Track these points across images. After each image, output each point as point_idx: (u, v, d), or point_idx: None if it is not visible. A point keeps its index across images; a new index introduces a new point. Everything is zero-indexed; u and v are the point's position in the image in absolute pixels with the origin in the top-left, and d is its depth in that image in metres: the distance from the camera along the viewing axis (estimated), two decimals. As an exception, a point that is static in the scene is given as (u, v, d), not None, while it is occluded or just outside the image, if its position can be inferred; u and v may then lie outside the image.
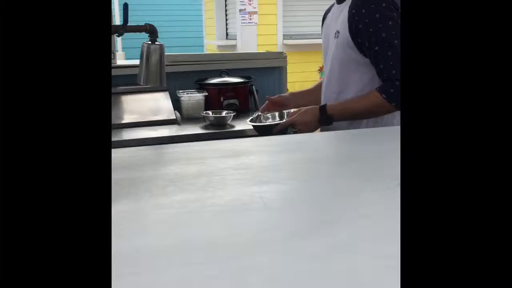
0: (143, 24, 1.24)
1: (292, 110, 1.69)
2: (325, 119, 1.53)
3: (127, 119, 2.33)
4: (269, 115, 1.79)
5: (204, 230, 0.50)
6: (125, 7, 1.20)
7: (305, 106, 1.61)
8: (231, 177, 0.68)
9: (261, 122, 1.76)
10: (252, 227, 0.51)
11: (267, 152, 0.83)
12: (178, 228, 0.51)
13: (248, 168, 0.71)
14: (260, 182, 0.64)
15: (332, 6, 1.77)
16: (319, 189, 0.63)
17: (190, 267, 0.43)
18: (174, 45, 8.81)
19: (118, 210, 0.55)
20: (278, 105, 1.83)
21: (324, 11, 1.85)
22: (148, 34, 1.22)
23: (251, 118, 1.77)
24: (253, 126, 1.73)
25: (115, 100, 2.37)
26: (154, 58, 1.23)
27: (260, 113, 1.79)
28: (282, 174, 0.69)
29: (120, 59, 2.56)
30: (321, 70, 6.34)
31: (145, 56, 1.22)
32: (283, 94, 1.94)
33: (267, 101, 1.87)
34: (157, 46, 1.22)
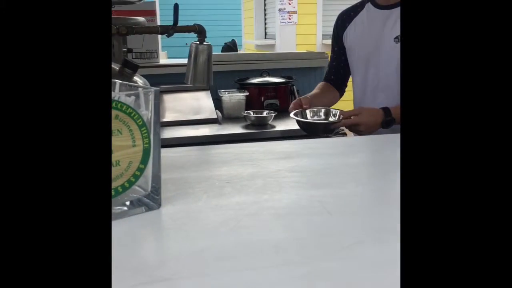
0: (192, 24, 1.25)
1: (338, 110, 1.68)
2: (387, 122, 1.52)
3: (169, 117, 2.36)
4: (311, 112, 1.74)
5: (266, 233, 0.49)
6: (176, 8, 1.21)
7: (319, 107, 1.70)
8: (286, 180, 0.67)
9: (306, 118, 1.71)
10: (314, 231, 0.50)
11: (320, 155, 0.82)
12: (240, 230, 0.50)
13: (302, 171, 0.70)
14: (316, 186, 0.63)
15: (350, 11, 1.84)
16: (378, 194, 0.62)
17: (255, 271, 0.43)
18: (213, 45, 8.87)
19: (178, 210, 0.55)
20: (300, 106, 1.77)
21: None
22: (196, 34, 1.23)
23: (294, 112, 1.70)
24: (302, 122, 1.67)
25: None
26: (202, 58, 1.23)
27: (301, 110, 1.73)
28: (338, 178, 0.68)
29: (162, 58, 2.59)
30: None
31: (193, 56, 1.23)
32: (307, 95, 1.90)
33: (295, 101, 1.81)
34: (205, 46, 1.23)
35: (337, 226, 0.52)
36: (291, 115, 1.68)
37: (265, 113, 2.19)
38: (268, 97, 2.46)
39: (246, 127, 2.16)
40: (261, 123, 2.16)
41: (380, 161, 0.79)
